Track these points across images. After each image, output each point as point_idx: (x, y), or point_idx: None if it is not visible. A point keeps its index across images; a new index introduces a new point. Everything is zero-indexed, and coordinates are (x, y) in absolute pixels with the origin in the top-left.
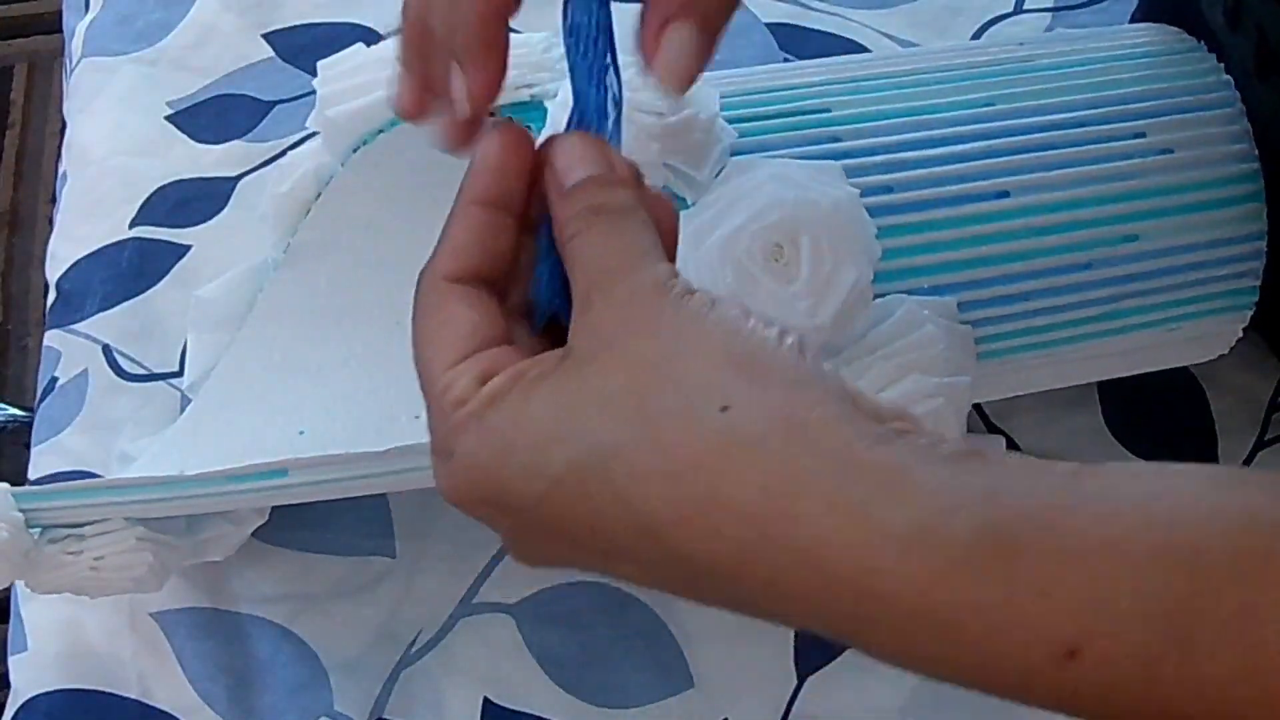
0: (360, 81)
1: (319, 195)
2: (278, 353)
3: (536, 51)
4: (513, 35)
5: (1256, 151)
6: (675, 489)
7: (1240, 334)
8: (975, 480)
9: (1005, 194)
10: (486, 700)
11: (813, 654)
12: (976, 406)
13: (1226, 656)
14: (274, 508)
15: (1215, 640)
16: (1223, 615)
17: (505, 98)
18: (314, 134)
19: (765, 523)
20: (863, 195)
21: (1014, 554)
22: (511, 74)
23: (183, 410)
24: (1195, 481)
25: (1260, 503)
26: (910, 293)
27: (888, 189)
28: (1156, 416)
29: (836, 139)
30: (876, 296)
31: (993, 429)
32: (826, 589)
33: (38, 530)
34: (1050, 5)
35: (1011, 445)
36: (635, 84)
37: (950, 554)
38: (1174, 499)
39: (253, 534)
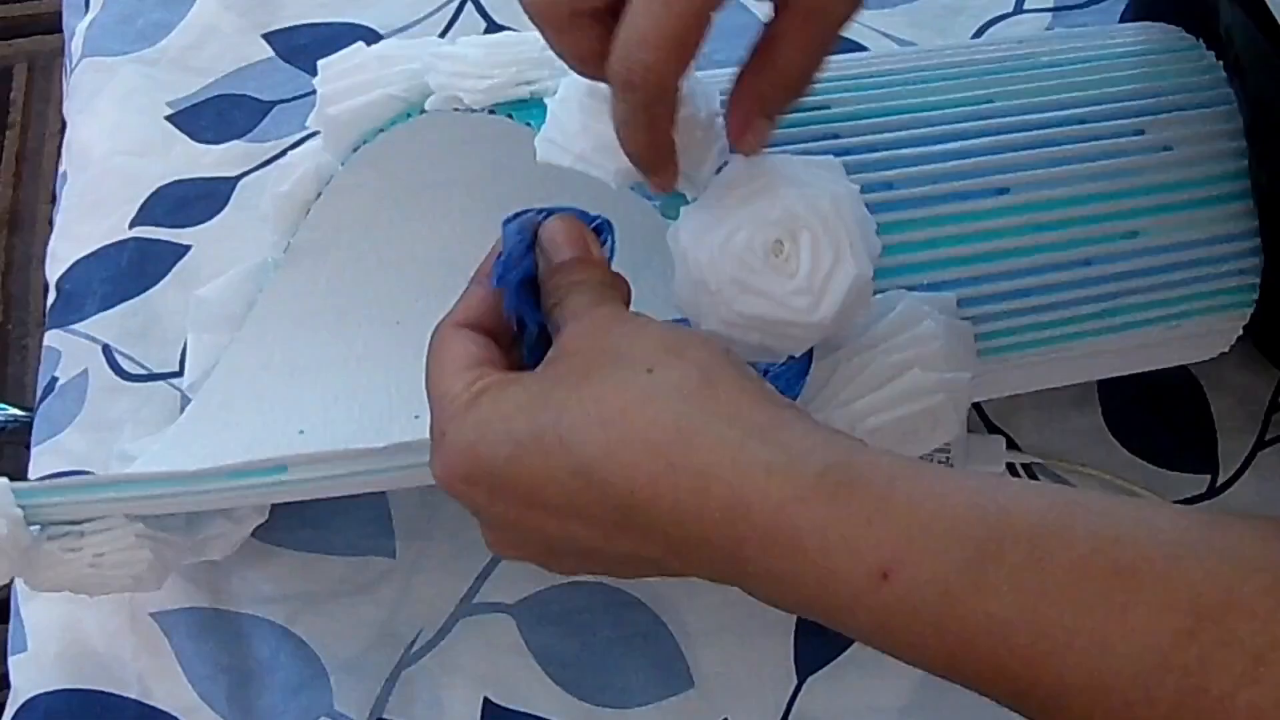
0: (360, 80)
1: (319, 195)
2: (277, 352)
3: (536, 49)
4: (511, 33)
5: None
6: (605, 432)
7: (1241, 331)
8: (839, 440)
9: (1005, 191)
10: (486, 700)
11: (813, 654)
12: (976, 406)
13: (1013, 598)
14: (274, 507)
15: (1004, 583)
16: (1013, 562)
17: (505, 95)
18: (314, 134)
19: (671, 455)
20: (862, 191)
21: (853, 488)
22: (511, 70)
23: (182, 410)
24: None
25: (1073, 495)
26: (910, 289)
27: (888, 185)
28: (1156, 416)
29: (836, 135)
30: (876, 293)
31: (993, 429)
32: (711, 512)
33: (37, 528)
34: (1050, 5)
35: (1011, 445)
36: None
37: (803, 482)
38: (1001, 480)
39: (253, 534)
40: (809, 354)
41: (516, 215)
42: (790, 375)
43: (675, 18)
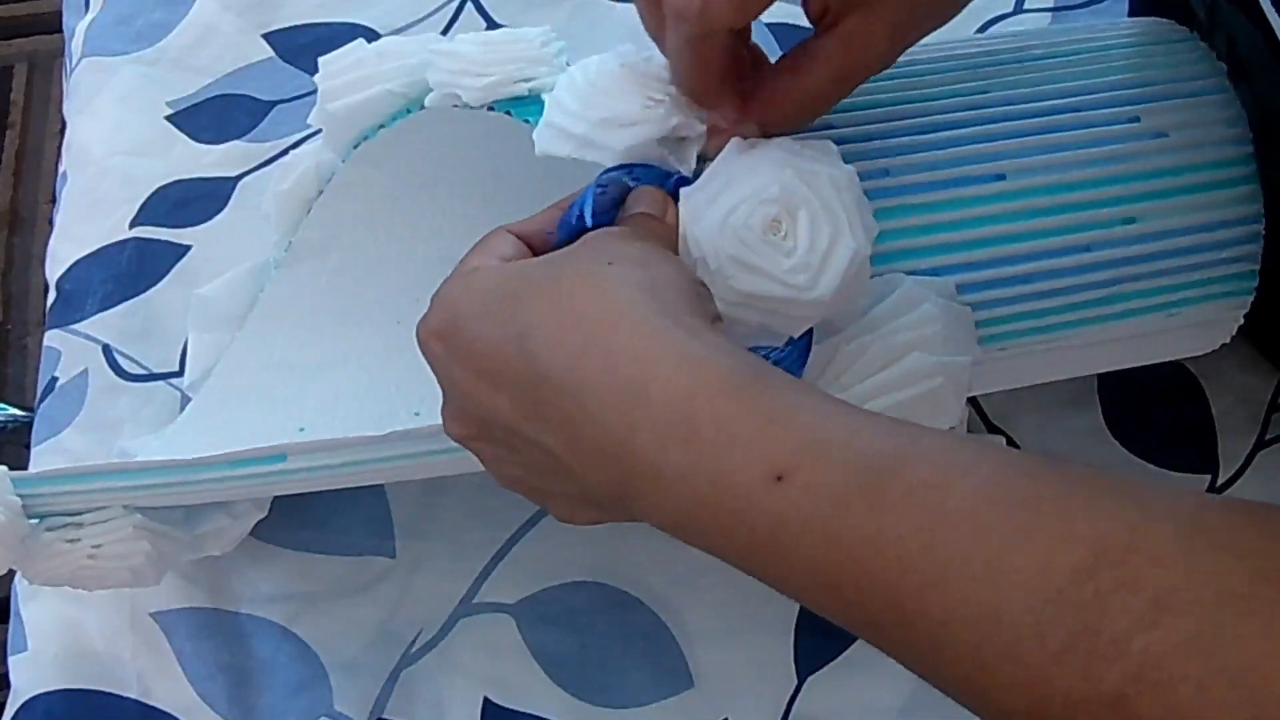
0: (360, 76)
1: (320, 193)
2: (278, 351)
3: (534, 46)
4: (509, 30)
5: (1251, 135)
6: (547, 306)
7: (1242, 320)
8: (760, 359)
9: (1001, 177)
10: (486, 700)
11: (813, 654)
12: (976, 406)
13: (909, 516)
14: (274, 505)
15: (902, 500)
16: (914, 481)
17: (501, 92)
18: (315, 132)
19: (595, 330)
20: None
21: (760, 388)
22: (508, 68)
23: (182, 409)
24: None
25: (988, 438)
26: (909, 275)
27: (884, 173)
28: (1156, 416)
29: (829, 125)
30: (874, 277)
31: (993, 429)
32: (611, 391)
33: (36, 519)
34: (1050, 5)
35: (1011, 445)
36: (641, 67)
37: (712, 377)
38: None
39: (253, 533)
40: (808, 337)
41: (608, 171)
42: (791, 359)
43: None
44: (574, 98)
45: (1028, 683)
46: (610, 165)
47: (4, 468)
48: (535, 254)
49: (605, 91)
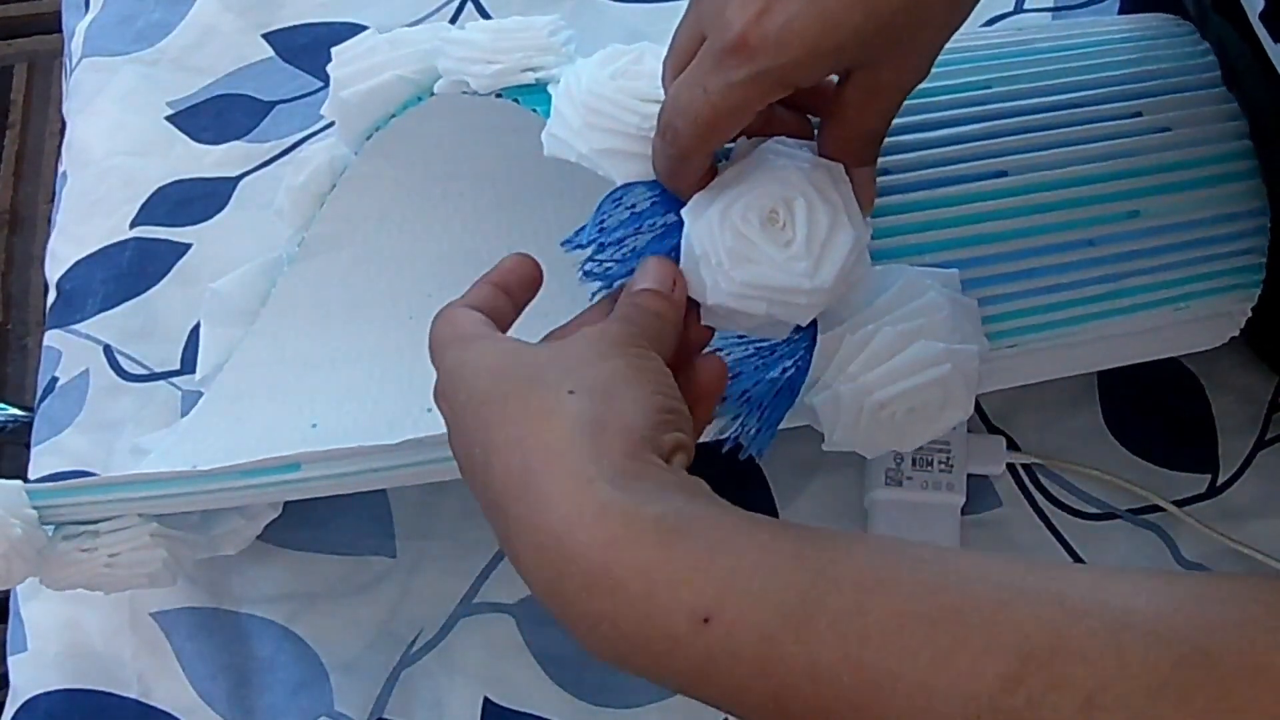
0: (374, 62)
1: (333, 188)
2: (290, 346)
3: (542, 35)
4: (517, 18)
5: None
6: (507, 432)
7: (1249, 313)
8: (693, 491)
9: (1003, 173)
10: (486, 700)
11: None
12: (977, 407)
13: (836, 644)
14: (287, 502)
15: (827, 629)
16: (836, 609)
17: (509, 80)
18: (318, 132)
19: (537, 470)
20: None
21: (681, 536)
22: (516, 56)
23: (184, 409)
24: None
25: (903, 544)
26: None
27: (885, 170)
28: (1156, 417)
29: None
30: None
31: (993, 429)
32: (547, 536)
33: (51, 528)
34: (1050, 4)
35: (1011, 445)
36: (632, 73)
37: (633, 526)
38: (834, 533)
39: None
40: (814, 327)
41: (631, 186)
42: (798, 349)
43: (710, 108)
44: (573, 112)
45: None
46: (615, 180)
47: (19, 482)
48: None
49: (599, 113)
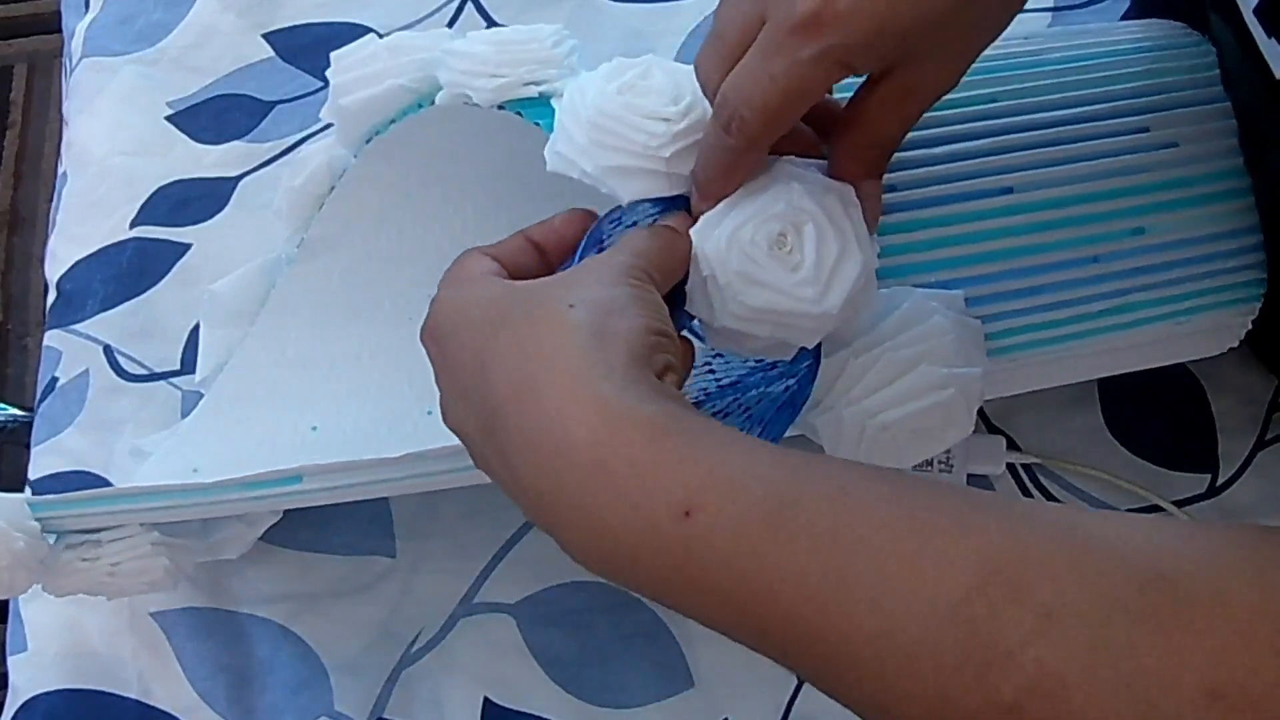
0: (374, 70)
1: (332, 189)
2: (290, 348)
3: (546, 46)
4: (520, 29)
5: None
6: (510, 340)
7: (1250, 325)
8: (679, 403)
9: (1009, 190)
10: (486, 700)
11: None
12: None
13: (808, 544)
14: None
15: (802, 530)
16: (812, 511)
17: (513, 94)
18: (318, 132)
19: (539, 372)
20: None
21: (671, 432)
22: (519, 70)
23: (184, 410)
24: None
25: (876, 469)
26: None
27: (890, 187)
28: (1156, 416)
29: None
30: (882, 289)
31: (993, 429)
32: (548, 432)
33: (54, 536)
34: (1050, 5)
35: (1012, 445)
36: (640, 89)
37: (627, 422)
38: (826, 459)
39: None
40: (819, 349)
41: (623, 210)
42: (802, 371)
43: (779, 92)
44: (578, 130)
45: (926, 697)
46: (620, 199)
47: (21, 495)
48: (508, 276)
49: (606, 130)
